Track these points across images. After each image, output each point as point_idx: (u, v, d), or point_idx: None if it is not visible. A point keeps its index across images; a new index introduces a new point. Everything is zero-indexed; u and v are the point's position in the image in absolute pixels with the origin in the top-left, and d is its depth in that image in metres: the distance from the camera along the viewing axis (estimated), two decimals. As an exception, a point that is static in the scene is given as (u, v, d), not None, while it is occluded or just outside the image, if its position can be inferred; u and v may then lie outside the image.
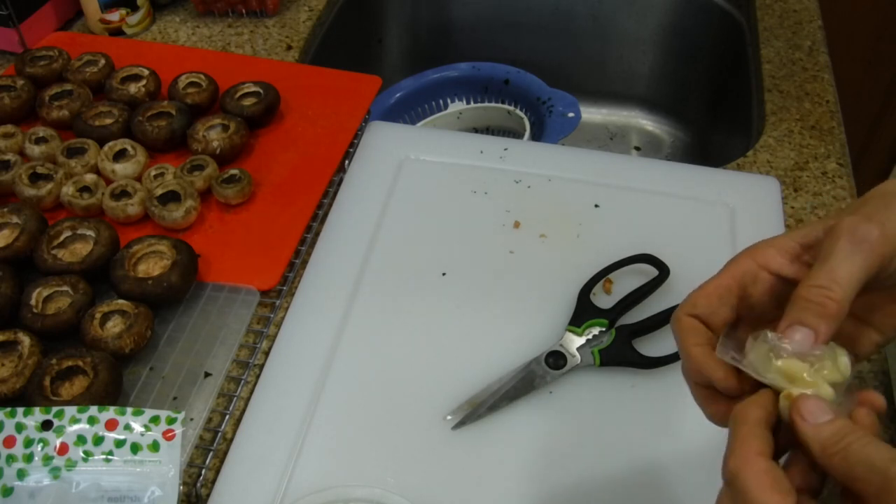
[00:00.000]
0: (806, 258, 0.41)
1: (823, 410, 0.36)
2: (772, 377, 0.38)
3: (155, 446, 0.53)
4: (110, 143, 0.74)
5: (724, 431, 0.48)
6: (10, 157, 0.73)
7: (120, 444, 0.52)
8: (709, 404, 0.43)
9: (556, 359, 0.60)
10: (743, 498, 0.35)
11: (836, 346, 0.38)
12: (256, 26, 0.98)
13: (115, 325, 0.60)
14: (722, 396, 0.41)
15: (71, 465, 0.52)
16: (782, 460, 0.38)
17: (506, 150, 0.79)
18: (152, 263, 0.65)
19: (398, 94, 1.05)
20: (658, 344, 0.62)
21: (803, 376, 0.37)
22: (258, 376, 0.61)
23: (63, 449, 0.52)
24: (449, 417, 0.58)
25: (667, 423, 0.58)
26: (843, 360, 0.38)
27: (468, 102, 1.09)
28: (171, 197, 0.70)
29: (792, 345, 0.38)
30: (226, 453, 0.56)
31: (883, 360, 0.62)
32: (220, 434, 0.57)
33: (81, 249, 0.65)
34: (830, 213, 0.41)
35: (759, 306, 0.42)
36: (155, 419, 0.54)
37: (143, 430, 0.53)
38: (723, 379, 0.40)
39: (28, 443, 0.52)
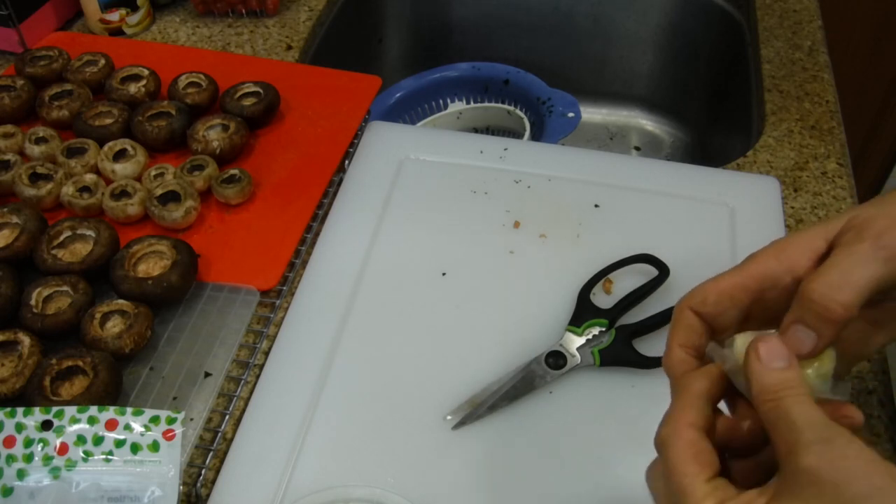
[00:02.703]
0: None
1: (780, 355, 0.35)
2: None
3: (155, 446, 0.53)
4: (110, 143, 0.74)
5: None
6: (10, 157, 0.73)
7: (120, 444, 0.52)
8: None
9: (556, 359, 0.60)
10: (665, 465, 0.35)
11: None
12: (256, 26, 0.98)
13: (115, 325, 0.60)
14: None
15: (71, 465, 0.52)
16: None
17: (506, 150, 0.79)
18: (152, 263, 0.65)
19: (398, 94, 1.05)
20: (658, 344, 0.62)
21: None
22: (258, 376, 0.61)
23: (63, 449, 0.52)
24: (449, 417, 0.58)
25: (667, 423, 0.58)
26: (830, 355, 0.37)
27: (468, 102, 1.09)
28: (171, 197, 0.70)
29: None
30: (226, 453, 0.56)
31: (882, 360, 0.62)
32: (220, 434, 0.57)
33: (81, 249, 0.65)
34: (855, 207, 0.40)
35: (773, 309, 0.39)
36: (155, 419, 0.54)
37: (143, 430, 0.53)
38: None
39: (28, 443, 0.52)
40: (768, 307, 0.39)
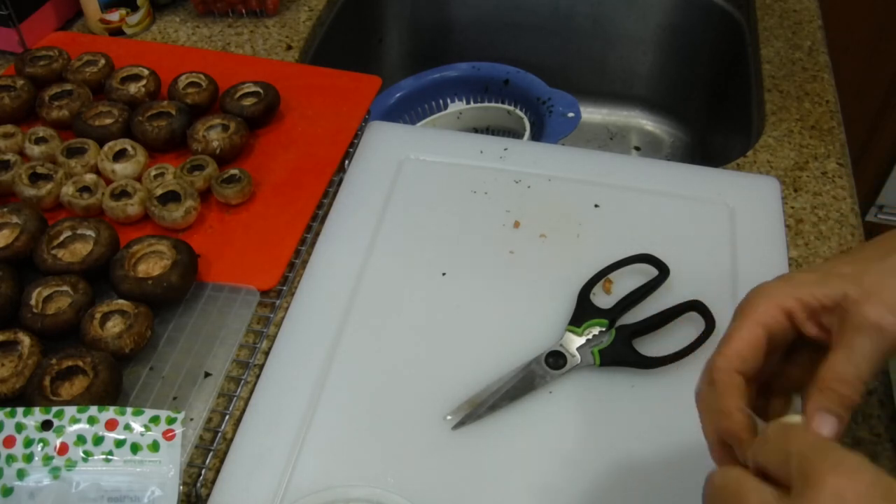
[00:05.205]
0: (825, 321, 0.42)
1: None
2: None
3: (155, 446, 0.53)
4: (110, 143, 0.74)
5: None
6: (10, 157, 0.73)
7: (120, 444, 0.52)
8: (726, 462, 0.42)
9: (556, 359, 0.60)
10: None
11: None
12: (256, 26, 0.98)
13: (115, 325, 0.60)
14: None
15: (71, 465, 0.52)
16: None
17: (506, 150, 0.79)
18: (152, 263, 0.65)
19: (398, 94, 1.05)
20: (658, 344, 0.62)
21: None
22: (258, 376, 0.61)
23: (63, 449, 0.52)
24: (449, 417, 0.58)
25: (666, 423, 0.58)
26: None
27: (468, 102, 1.09)
28: (171, 197, 0.70)
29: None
30: (226, 453, 0.56)
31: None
32: (220, 434, 0.57)
33: (81, 249, 0.65)
34: (845, 258, 0.43)
35: (771, 357, 0.43)
36: (155, 419, 0.54)
37: (143, 430, 0.53)
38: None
39: (28, 443, 0.52)
40: (768, 354, 0.43)
